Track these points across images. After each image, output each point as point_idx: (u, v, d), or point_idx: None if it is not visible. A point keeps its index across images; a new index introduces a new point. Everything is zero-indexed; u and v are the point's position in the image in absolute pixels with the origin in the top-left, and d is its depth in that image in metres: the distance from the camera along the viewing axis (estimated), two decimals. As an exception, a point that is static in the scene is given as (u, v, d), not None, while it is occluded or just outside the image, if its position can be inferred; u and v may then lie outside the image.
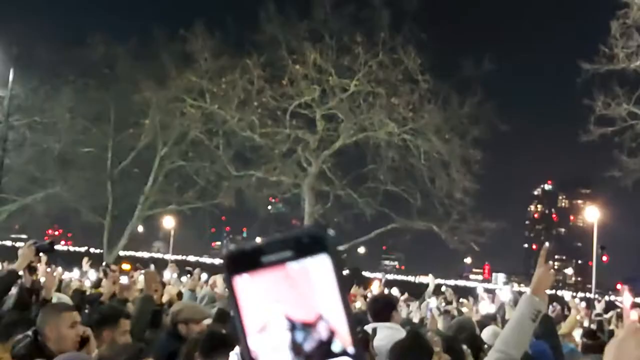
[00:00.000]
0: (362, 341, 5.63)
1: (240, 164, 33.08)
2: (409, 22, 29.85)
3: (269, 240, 0.80)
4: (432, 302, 12.09)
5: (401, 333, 5.78)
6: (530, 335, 3.46)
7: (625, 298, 7.06)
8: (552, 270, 3.57)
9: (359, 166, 33.51)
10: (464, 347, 6.16)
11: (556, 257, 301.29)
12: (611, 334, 9.88)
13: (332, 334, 0.78)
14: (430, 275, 13.16)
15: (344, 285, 0.79)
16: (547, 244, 3.84)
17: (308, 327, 0.78)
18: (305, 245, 0.79)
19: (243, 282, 0.79)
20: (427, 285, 12.63)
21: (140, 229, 42.24)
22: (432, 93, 30.48)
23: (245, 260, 0.80)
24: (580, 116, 27.70)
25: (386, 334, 5.71)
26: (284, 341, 0.79)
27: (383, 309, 6.34)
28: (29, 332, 4.24)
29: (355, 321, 0.79)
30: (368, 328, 5.90)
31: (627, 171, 26.94)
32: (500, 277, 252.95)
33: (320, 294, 0.78)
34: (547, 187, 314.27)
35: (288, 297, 0.78)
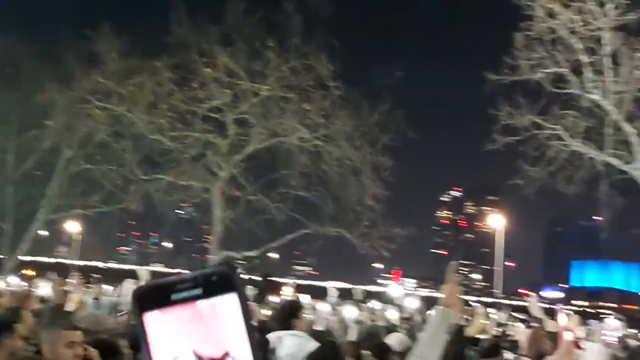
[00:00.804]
0: (260, 348, 5.52)
1: (149, 168, 32.50)
2: (321, 29, 30.00)
3: (179, 278, 0.81)
4: (347, 310, 12.08)
5: (309, 341, 5.73)
6: (444, 344, 3.47)
7: (560, 318, 7.16)
8: (459, 280, 3.69)
9: (271, 171, 33.44)
10: (368, 353, 6.18)
11: (464, 262, 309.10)
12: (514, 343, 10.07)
13: None
14: (331, 285, 13.15)
15: (251, 323, 0.81)
16: (454, 261, 3.91)
17: None
18: (214, 284, 0.81)
19: (153, 318, 0.80)
20: (345, 290, 12.65)
21: (45, 233, 41.10)
22: (343, 100, 30.70)
23: (155, 297, 0.81)
24: (486, 125, 28.36)
25: (293, 343, 5.65)
26: None
27: (286, 317, 6.30)
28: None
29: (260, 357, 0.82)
30: (273, 336, 5.82)
31: (530, 180, 27.74)
32: (410, 282, 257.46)
33: (228, 331, 0.79)
34: (456, 193, 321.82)
35: (197, 334, 0.79)
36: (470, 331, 10.36)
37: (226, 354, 0.79)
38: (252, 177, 33.00)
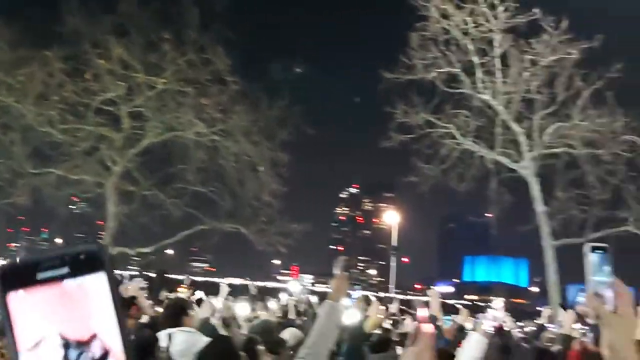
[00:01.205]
0: (147, 345, 5.41)
1: (38, 161, 31.23)
2: (218, 22, 29.65)
3: (45, 256, 0.78)
4: (239, 307, 11.97)
5: (198, 336, 5.70)
6: (335, 337, 3.68)
7: (420, 311, 7.30)
8: (346, 275, 3.84)
9: (167, 166, 32.80)
10: (262, 348, 6.16)
11: (361, 258, 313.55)
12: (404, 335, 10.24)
13: (106, 353, 0.77)
14: (223, 283, 13.00)
15: (120, 304, 0.79)
16: (342, 257, 4.01)
17: (82, 345, 0.77)
18: (82, 263, 0.78)
19: (17, 298, 0.77)
20: (241, 287, 12.56)
21: None
22: (241, 94, 30.48)
23: (20, 276, 0.77)
24: (383, 122, 28.85)
25: (183, 339, 5.62)
26: (57, 359, 0.77)
27: (175, 314, 6.27)
28: None
29: (130, 339, 0.78)
30: (163, 334, 5.75)
31: (424, 177, 28.38)
32: (308, 277, 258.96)
33: (96, 312, 0.77)
34: (353, 190, 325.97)
35: (63, 315, 0.77)
36: (366, 326, 10.50)
37: (94, 336, 0.77)
38: (148, 172, 32.36)
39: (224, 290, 11.72)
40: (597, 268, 1.94)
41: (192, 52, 29.62)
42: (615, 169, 26.68)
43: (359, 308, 10.37)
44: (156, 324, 6.82)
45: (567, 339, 8.76)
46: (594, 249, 1.96)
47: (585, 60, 25.89)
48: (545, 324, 11.59)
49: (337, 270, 3.85)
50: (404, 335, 10.03)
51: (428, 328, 3.84)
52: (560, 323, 9.73)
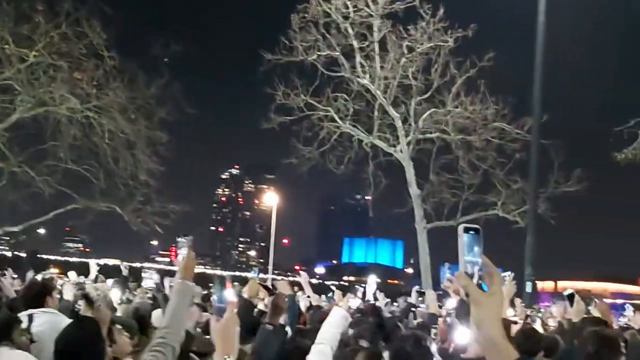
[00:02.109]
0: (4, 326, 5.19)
1: None
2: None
3: None
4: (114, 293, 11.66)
5: (61, 317, 5.56)
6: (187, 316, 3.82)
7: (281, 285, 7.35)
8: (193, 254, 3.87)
9: (38, 142, 31.41)
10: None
11: (241, 239, 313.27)
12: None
13: None
14: (92, 262, 12.64)
15: None
16: (187, 237, 4.03)
17: None
18: None
19: None
20: (114, 267, 12.24)
21: None
22: (118, 71, 29.54)
23: None
24: (263, 103, 28.80)
25: (45, 320, 5.46)
26: None
27: (37, 295, 6.09)
28: None
29: None
30: (23, 315, 5.56)
31: (303, 159, 28.61)
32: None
33: None
34: (235, 171, 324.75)
35: None
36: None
37: None
38: (17, 148, 30.87)
39: (93, 270, 11.44)
40: (469, 248, 1.98)
41: (66, 25, 28.44)
42: (485, 155, 27.78)
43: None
44: (14, 306, 6.55)
45: (432, 318, 9.10)
46: (466, 229, 2.00)
47: (459, 48, 26.79)
48: (415, 304, 11.99)
49: (184, 250, 3.87)
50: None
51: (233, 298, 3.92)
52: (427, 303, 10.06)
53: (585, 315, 6.70)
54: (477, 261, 1.97)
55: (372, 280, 13.13)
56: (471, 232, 1.99)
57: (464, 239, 1.99)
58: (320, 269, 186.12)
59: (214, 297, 9.72)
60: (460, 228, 2.00)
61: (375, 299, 11.72)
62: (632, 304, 12.81)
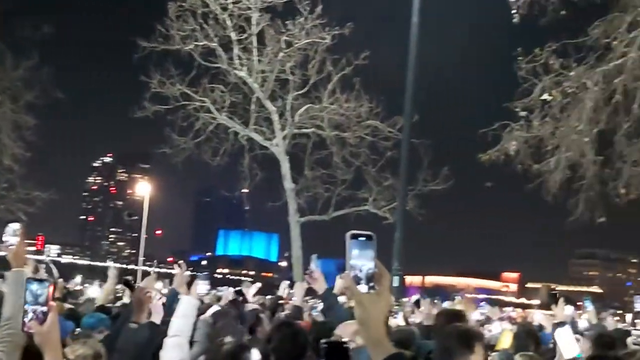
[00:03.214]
0: None
1: None
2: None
3: None
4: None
5: None
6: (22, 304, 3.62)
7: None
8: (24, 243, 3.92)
9: None
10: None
11: (112, 229, 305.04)
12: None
13: None
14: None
15: None
16: (14, 224, 3.93)
17: None
18: None
19: None
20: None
21: None
22: (-18, 51, 28.11)
23: None
24: (138, 91, 28.10)
25: None
26: None
27: None
28: None
29: None
30: None
31: (178, 149, 28.19)
32: (54, 248, 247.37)
33: None
34: (108, 159, 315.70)
35: None
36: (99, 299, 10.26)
37: None
38: None
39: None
40: (359, 253, 2.07)
41: None
42: (359, 152, 28.32)
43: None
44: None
45: (298, 310, 9.22)
46: (355, 236, 2.08)
47: (336, 46, 27.16)
48: (283, 296, 12.10)
49: (12, 238, 3.91)
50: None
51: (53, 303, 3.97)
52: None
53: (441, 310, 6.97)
54: (362, 265, 2.07)
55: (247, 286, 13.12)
56: (361, 238, 2.09)
57: (350, 244, 2.08)
58: (202, 262, 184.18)
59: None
60: (348, 234, 2.09)
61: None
62: (492, 299, 13.45)
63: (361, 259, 2.08)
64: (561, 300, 6.83)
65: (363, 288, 2.07)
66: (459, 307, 7.61)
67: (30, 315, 2.67)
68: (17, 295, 3.48)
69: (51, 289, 2.77)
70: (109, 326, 6.57)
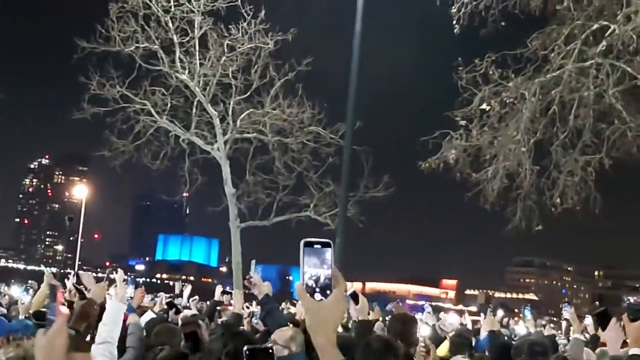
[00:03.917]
0: None
1: None
2: None
3: None
4: None
5: None
6: None
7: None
8: None
9: None
10: None
11: (48, 232, 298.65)
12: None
13: None
14: None
15: None
16: None
17: None
18: None
19: None
20: None
21: None
22: None
23: None
24: (77, 92, 27.53)
25: None
26: None
27: None
28: None
29: None
30: None
31: (117, 152, 27.75)
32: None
33: None
34: (45, 161, 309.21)
35: None
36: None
37: None
38: None
39: None
40: (314, 261, 2.06)
41: None
42: (300, 158, 28.31)
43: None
44: None
45: (238, 318, 9.15)
46: (310, 244, 2.08)
47: (279, 51, 27.11)
48: (220, 301, 11.99)
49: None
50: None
51: (64, 310, 3.74)
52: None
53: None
54: (317, 273, 2.06)
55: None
56: (316, 245, 2.08)
57: (304, 251, 2.07)
58: (141, 266, 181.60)
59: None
60: (302, 242, 2.08)
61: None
62: (431, 306, 13.56)
63: (316, 267, 2.07)
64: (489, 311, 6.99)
65: (318, 296, 2.06)
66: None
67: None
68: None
69: (60, 295, 2.68)
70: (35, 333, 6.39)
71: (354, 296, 6.53)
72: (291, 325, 6.07)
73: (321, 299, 2.06)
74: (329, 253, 2.09)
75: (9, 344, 4.29)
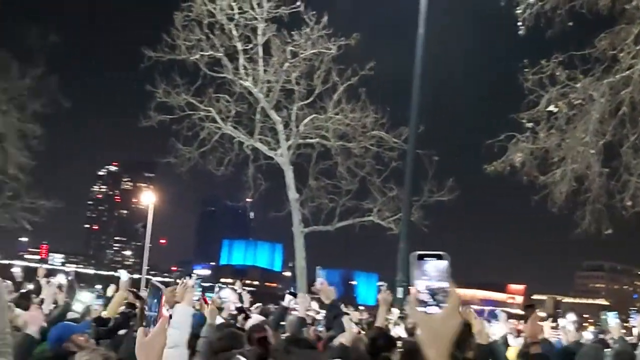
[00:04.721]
0: None
1: None
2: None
3: None
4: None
5: None
6: None
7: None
8: None
9: None
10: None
11: (117, 238, 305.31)
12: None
13: None
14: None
15: None
16: None
17: None
18: None
19: None
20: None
21: None
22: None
23: None
24: (144, 100, 28.12)
25: None
26: None
27: None
28: None
29: None
30: None
31: (182, 159, 28.19)
32: (58, 257, 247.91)
33: None
34: (113, 168, 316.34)
35: None
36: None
37: None
38: None
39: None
40: (427, 274, 2.03)
41: None
42: (363, 162, 28.25)
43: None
44: None
45: (301, 321, 9.15)
46: (422, 257, 2.05)
47: (342, 56, 27.13)
48: (288, 307, 12.00)
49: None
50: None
51: (165, 312, 3.80)
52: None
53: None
54: (430, 287, 2.02)
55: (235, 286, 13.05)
56: (427, 258, 2.05)
57: (417, 265, 2.04)
58: (206, 271, 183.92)
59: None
60: (413, 255, 2.05)
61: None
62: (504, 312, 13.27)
63: (428, 280, 2.04)
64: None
65: (432, 310, 2.02)
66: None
67: (151, 324, 2.64)
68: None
69: (163, 298, 2.72)
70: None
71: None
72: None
73: (433, 312, 2.02)
74: (442, 265, 2.05)
75: (84, 349, 4.39)
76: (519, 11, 18.07)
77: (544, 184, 19.41)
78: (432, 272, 2.04)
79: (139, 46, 26.92)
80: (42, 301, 9.50)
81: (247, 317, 10.42)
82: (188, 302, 5.76)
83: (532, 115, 18.94)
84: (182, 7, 26.14)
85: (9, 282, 12.57)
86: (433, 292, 2.03)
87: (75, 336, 4.98)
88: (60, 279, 10.89)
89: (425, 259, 2.06)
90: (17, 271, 15.29)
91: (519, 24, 18.14)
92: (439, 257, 2.05)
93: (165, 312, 2.74)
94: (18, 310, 7.95)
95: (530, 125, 19.12)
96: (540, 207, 20.02)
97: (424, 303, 2.03)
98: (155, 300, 2.66)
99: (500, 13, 19.07)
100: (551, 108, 18.73)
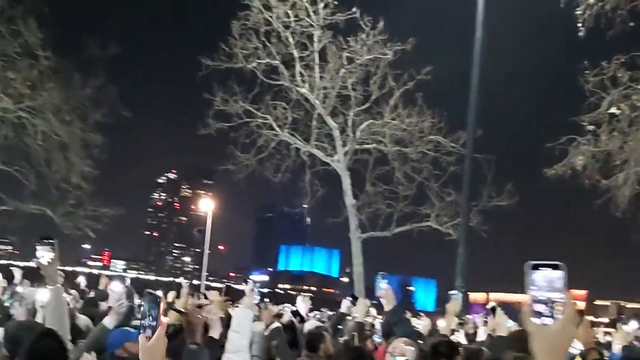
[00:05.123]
0: None
1: None
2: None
3: None
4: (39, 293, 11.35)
5: None
6: None
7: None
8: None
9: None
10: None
11: (176, 244, 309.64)
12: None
13: None
14: (17, 268, 12.32)
15: None
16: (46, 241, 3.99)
17: None
18: None
19: None
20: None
21: None
22: (53, 71, 28.85)
23: None
24: (202, 109, 28.54)
25: None
26: None
27: None
28: None
29: None
30: None
31: (240, 166, 28.51)
32: (120, 263, 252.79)
33: None
34: (172, 175, 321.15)
35: None
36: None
37: None
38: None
39: (17, 275, 11.19)
40: (543, 284, 2.02)
41: (0, 23, 27.72)
42: (420, 167, 28.11)
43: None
44: None
45: (360, 326, 9.18)
46: (537, 266, 2.04)
47: (398, 61, 27.07)
48: (346, 313, 12.02)
49: (47, 254, 4.02)
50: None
51: (164, 319, 3.90)
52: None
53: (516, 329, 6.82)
54: (546, 297, 2.01)
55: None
56: (542, 268, 2.04)
57: (531, 275, 2.04)
58: (264, 277, 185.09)
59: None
60: (527, 265, 2.05)
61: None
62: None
63: (543, 290, 2.02)
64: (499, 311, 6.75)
65: (547, 321, 2.00)
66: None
67: (147, 330, 2.70)
68: (59, 311, 3.54)
69: (162, 304, 2.78)
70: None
71: (493, 310, 6.45)
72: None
73: (548, 324, 2.00)
74: (559, 275, 2.03)
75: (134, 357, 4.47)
76: (578, 12, 17.76)
77: (607, 187, 19.05)
78: (546, 282, 2.02)
79: (198, 55, 27.35)
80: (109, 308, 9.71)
81: (302, 320, 10.46)
82: (248, 305, 5.82)
83: (593, 117, 18.61)
84: (239, 16, 26.48)
85: (74, 291, 12.91)
86: (547, 304, 2.00)
87: (129, 344, 5.07)
88: (115, 286, 11.10)
89: (540, 268, 2.04)
90: (81, 280, 15.69)
91: (579, 25, 17.83)
92: (555, 267, 2.03)
93: (163, 319, 2.79)
94: (83, 317, 8.17)
95: (591, 127, 18.80)
96: (603, 210, 19.65)
97: (538, 314, 2.01)
98: (153, 309, 2.71)
99: (559, 14, 18.79)
100: (613, 110, 18.37)
